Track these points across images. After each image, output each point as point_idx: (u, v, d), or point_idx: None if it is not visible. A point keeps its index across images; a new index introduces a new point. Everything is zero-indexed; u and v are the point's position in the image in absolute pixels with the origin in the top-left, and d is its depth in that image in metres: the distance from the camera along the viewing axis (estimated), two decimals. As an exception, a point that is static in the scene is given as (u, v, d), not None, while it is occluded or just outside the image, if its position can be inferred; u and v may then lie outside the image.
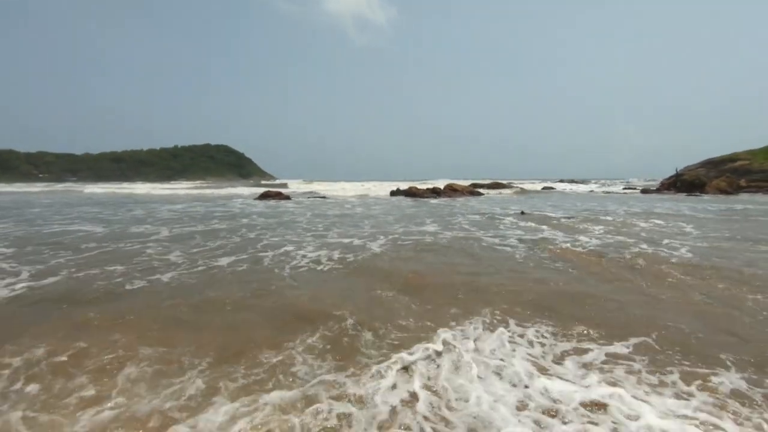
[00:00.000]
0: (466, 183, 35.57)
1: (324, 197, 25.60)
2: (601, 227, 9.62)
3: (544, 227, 9.64)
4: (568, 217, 11.92)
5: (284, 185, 46.52)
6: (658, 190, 35.10)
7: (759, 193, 29.80)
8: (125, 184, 54.50)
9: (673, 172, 37.89)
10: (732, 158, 38.40)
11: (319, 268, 5.78)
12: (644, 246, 7.07)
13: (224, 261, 6.17)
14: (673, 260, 5.95)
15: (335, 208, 16.79)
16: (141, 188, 42.77)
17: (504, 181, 51.48)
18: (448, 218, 11.86)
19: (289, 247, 7.17)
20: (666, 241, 7.58)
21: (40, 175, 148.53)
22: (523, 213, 13.62)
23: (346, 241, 7.87)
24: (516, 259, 6.35)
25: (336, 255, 6.50)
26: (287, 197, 23.81)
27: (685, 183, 33.67)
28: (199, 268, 5.70)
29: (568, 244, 7.34)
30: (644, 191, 35.97)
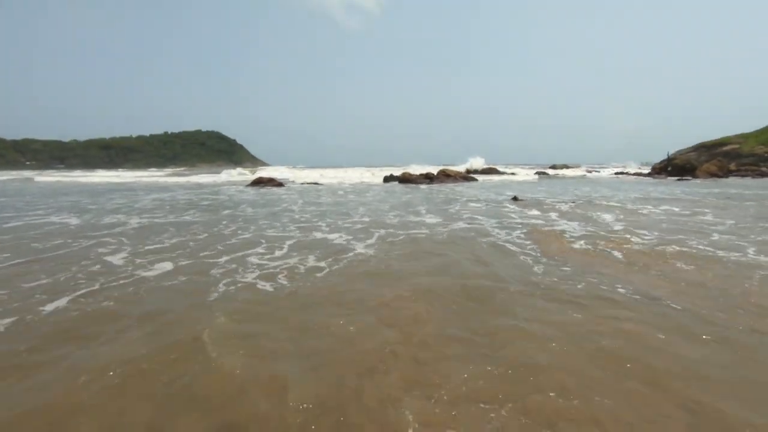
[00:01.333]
0: (460, 168, 35.05)
1: (317, 184, 24.91)
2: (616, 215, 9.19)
3: (552, 215, 9.14)
4: (572, 202, 11.44)
5: (276, 172, 45.49)
6: (650, 175, 34.87)
7: (747, 177, 29.65)
8: (108, 172, 52.87)
9: (664, 156, 37.71)
10: (723, 142, 38.36)
11: (273, 289, 4.10)
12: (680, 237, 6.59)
13: (163, 267, 4.89)
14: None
15: (328, 195, 16.16)
16: (127, 176, 41.42)
17: (499, 167, 51.06)
18: (444, 206, 11.30)
19: (260, 249, 5.82)
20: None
21: (27, 163, 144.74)
22: (515, 199, 13.16)
23: (333, 237, 6.68)
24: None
25: (310, 261, 5.06)
26: (280, 184, 23.09)
27: (676, 167, 33.40)
28: (121, 282, 4.32)
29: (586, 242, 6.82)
30: (637, 175, 35.74)
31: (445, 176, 26.19)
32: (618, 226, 7.47)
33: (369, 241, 6.38)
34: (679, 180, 27.54)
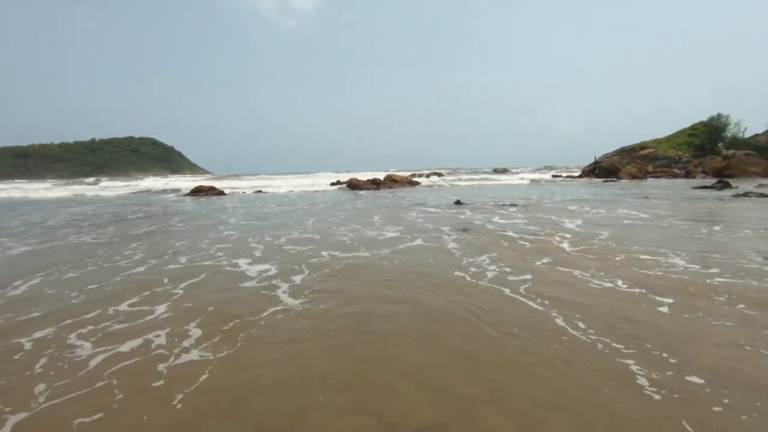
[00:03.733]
0: (405, 173, 34.98)
1: (262, 191, 23.19)
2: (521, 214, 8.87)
3: (496, 218, 8.64)
4: (522, 206, 11.17)
5: (218, 180, 42.55)
6: (580, 177, 36.90)
7: (663, 178, 32.24)
8: (30, 184, 46.08)
9: (592, 159, 40.25)
10: (642, 146, 41.81)
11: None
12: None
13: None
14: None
15: (274, 204, 14.62)
16: (44, 187, 36.09)
17: (441, 170, 52.40)
18: (399, 214, 10.42)
19: (132, 299, 3.85)
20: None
21: None
22: (458, 202, 12.84)
23: (257, 271, 4.76)
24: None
25: (191, 337, 3.00)
26: (221, 192, 21.27)
27: (602, 170, 35.66)
28: None
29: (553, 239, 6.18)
30: (568, 177, 37.70)
31: (392, 181, 25.79)
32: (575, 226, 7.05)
33: (302, 279, 4.40)
34: (605, 181, 29.25)
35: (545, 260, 5.05)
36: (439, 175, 42.79)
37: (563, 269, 4.63)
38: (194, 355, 2.76)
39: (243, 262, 5.28)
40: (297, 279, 4.46)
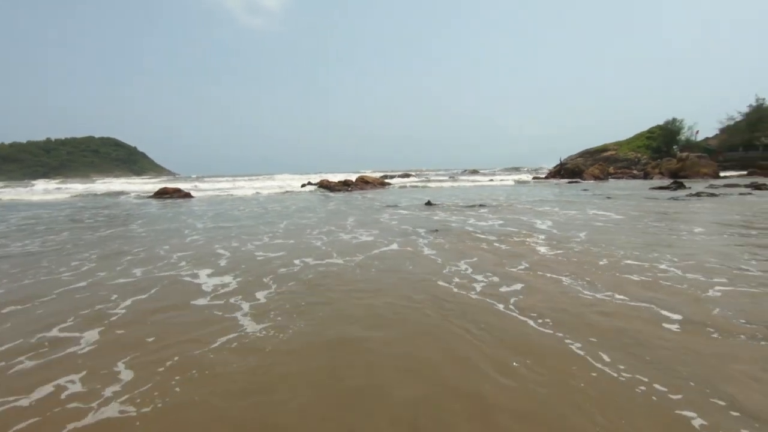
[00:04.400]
0: (376, 174, 34.97)
1: (230, 193, 22.43)
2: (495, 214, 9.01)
3: (471, 219, 8.68)
4: (491, 206, 11.31)
5: (185, 182, 41.05)
6: (547, 178, 38.04)
7: (623, 179, 33.72)
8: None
9: (557, 161, 41.60)
10: (604, 148, 43.75)
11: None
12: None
13: None
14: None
15: (243, 206, 14.09)
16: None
17: (411, 172, 52.86)
18: (372, 216, 10.26)
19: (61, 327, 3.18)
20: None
21: None
22: (429, 203, 12.94)
23: (216, 285, 4.22)
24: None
25: (122, 374, 2.46)
26: (187, 194, 20.42)
27: (567, 171, 36.88)
28: None
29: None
30: (535, 178, 38.77)
31: (363, 182, 25.69)
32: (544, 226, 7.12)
33: (268, 296, 3.86)
34: (570, 182, 30.28)
35: (528, 266, 4.77)
36: (410, 176, 43.04)
37: (551, 276, 4.34)
38: (114, 410, 2.08)
39: (204, 273, 4.72)
40: (262, 295, 3.87)
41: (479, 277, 4.33)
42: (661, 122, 46.86)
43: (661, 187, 17.72)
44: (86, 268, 5.15)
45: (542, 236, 6.70)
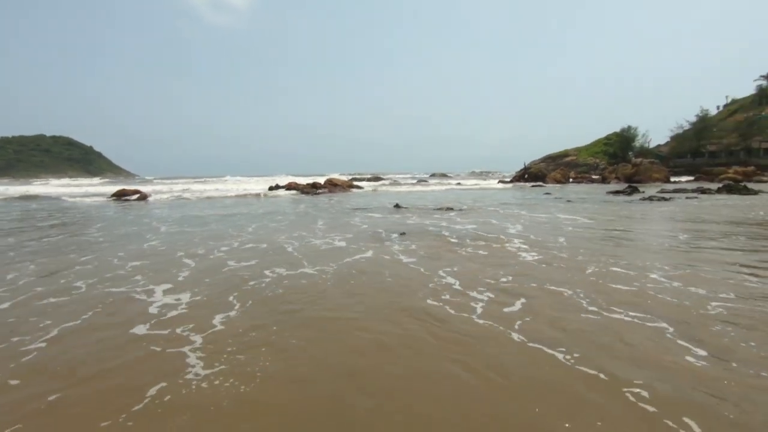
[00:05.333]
0: (344, 177, 34.86)
1: (194, 196, 21.59)
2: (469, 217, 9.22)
3: (443, 222, 8.76)
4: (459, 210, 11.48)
5: (145, 184, 39.26)
6: (512, 181, 39.25)
7: (582, 183, 35.34)
8: None
9: (521, 166, 43.05)
10: (565, 154, 45.67)
11: None
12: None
13: None
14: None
15: (209, 209, 13.48)
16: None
17: (380, 175, 53.08)
18: (344, 219, 10.07)
19: None
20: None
21: None
22: (398, 206, 13.15)
23: (179, 302, 3.70)
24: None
25: None
26: (147, 196, 19.59)
27: (531, 175, 38.24)
28: None
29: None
30: (500, 182, 39.91)
31: (332, 185, 25.55)
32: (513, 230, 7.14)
33: (228, 321, 3.23)
34: (533, 186, 31.42)
35: (517, 276, 4.48)
36: (379, 179, 43.16)
37: (550, 289, 3.98)
38: None
39: (160, 290, 4.11)
40: (221, 320, 3.22)
41: (472, 293, 3.88)
42: (617, 129, 49.71)
43: (617, 192, 18.69)
44: (23, 282, 4.53)
45: (518, 240, 6.70)
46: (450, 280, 4.39)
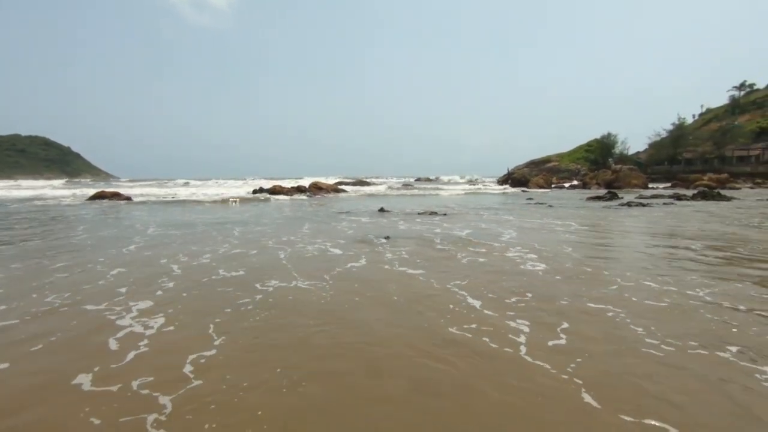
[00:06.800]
0: (330, 181, 34.82)
1: (177, 199, 21.21)
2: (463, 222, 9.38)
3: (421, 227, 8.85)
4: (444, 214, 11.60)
5: (125, 187, 38.43)
6: (498, 185, 39.83)
7: (564, 188, 36.14)
8: None
9: (505, 171, 43.78)
10: (547, 159, 46.69)
11: None
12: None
13: None
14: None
15: (192, 213, 13.26)
16: None
17: (366, 179, 53.18)
18: (332, 223, 10.04)
19: None
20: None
21: None
22: (382, 210, 13.34)
23: (152, 332, 3.09)
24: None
25: None
26: (127, 198, 19.25)
27: (515, 180, 38.89)
28: None
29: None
30: (484, 185, 40.44)
31: (317, 188, 25.54)
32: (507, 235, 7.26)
33: (209, 363, 2.60)
34: (519, 191, 31.99)
35: (537, 290, 4.17)
36: (364, 183, 43.21)
37: (590, 308, 3.62)
38: None
39: (136, 308, 3.61)
40: (203, 361, 2.60)
41: (489, 312, 3.51)
42: (598, 136, 51.04)
43: (597, 197, 19.17)
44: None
45: (518, 247, 6.70)
46: (472, 301, 3.87)
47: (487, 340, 2.99)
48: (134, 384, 2.34)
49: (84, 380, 2.40)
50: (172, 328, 3.23)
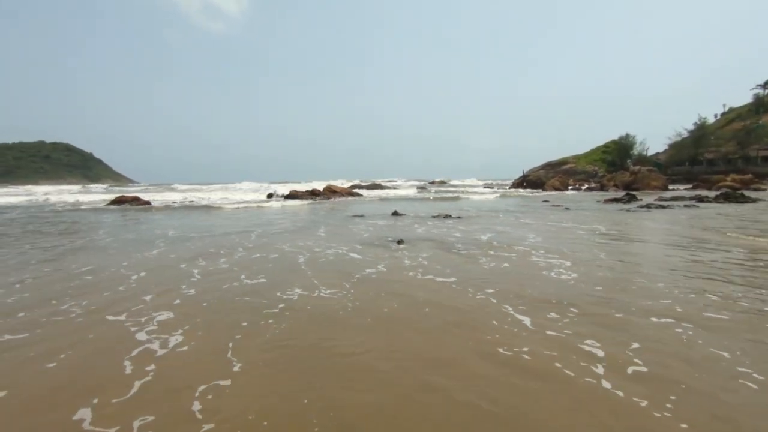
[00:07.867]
0: (345, 185, 35.02)
1: (195, 202, 21.58)
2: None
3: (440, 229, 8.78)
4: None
5: (146, 191, 39.39)
6: (511, 188, 39.44)
7: (581, 190, 35.58)
8: None
9: (520, 173, 43.31)
10: (564, 162, 46.03)
11: None
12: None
13: None
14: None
15: (210, 218, 13.47)
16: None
17: (381, 182, 53.44)
18: (349, 226, 10.01)
19: None
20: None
21: None
22: (395, 213, 13.19)
23: (165, 351, 2.90)
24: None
25: None
26: (147, 203, 19.74)
27: (530, 182, 38.49)
28: None
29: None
30: (500, 187, 40.12)
31: (331, 192, 25.68)
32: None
33: (226, 402, 2.23)
34: (533, 193, 31.60)
35: (584, 304, 3.83)
36: (379, 186, 43.29)
37: (653, 323, 3.29)
38: None
39: (156, 321, 3.50)
40: (212, 401, 2.24)
41: (542, 329, 3.18)
42: (615, 137, 50.10)
43: (615, 199, 18.76)
44: (13, 299, 4.26)
45: (542, 251, 6.61)
46: (519, 316, 3.54)
47: (560, 366, 2.60)
48: (135, 425, 2.06)
49: (84, 416, 2.17)
50: (186, 348, 2.99)
